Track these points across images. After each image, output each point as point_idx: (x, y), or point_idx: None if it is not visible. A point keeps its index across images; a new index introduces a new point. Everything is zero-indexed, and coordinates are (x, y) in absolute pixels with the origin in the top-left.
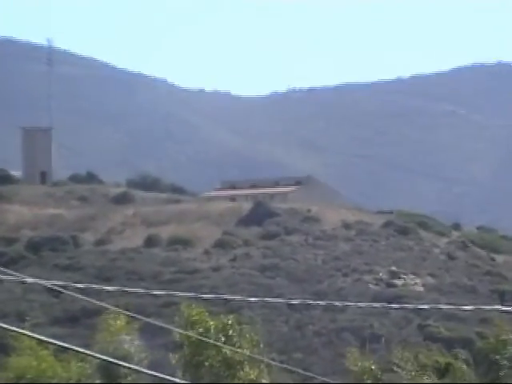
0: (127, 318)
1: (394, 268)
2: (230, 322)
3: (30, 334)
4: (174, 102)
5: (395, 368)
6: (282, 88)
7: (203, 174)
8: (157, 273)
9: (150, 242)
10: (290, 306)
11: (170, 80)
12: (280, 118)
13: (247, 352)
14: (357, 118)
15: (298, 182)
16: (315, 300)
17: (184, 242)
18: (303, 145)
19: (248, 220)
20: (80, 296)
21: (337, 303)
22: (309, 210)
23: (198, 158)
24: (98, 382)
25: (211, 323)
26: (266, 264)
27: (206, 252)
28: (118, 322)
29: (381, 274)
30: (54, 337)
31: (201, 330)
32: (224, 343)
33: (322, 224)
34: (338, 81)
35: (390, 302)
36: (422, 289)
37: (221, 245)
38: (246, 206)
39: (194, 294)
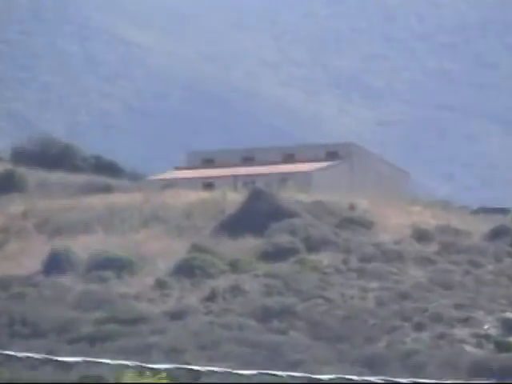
0: None
1: (511, 314)
2: None
3: None
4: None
5: None
6: None
7: (153, 137)
8: (67, 322)
9: (56, 264)
10: None
11: None
12: (291, 24)
13: None
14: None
15: (330, 154)
16: (363, 374)
17: (119, 265)
18: (337, 84)
19: (238, 224)
20: None
21: (404, 381)
22: (352, 207)
23: (141, 105)
24: None
25: None
26: (270, 306)
27: (160, 284)
28: None
29: (487, 327)
30: None
31: None
32: None
33: (377, 232)
34: None
35: (503, 377)
36: None
37: (187, 270)
38: (235, 198)
39: (136, 362)
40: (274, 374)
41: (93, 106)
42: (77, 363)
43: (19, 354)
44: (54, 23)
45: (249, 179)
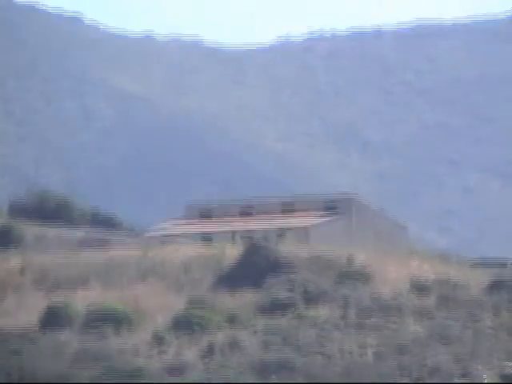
0: None
1: (510, 367)
2: None
3: None
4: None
5: None
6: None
7: (151, 190)
8: (64, 378)
9: (54, 319)
10: None
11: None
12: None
13: None
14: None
15: (329, 206)
16: None
17: (117, 320)
18: (336, 137)
19: (235, 277)
20: None
21: None
22: (350, 260)
23: (139, 158)
24: None
25: None
26: (269, 362)
27: (158, 338)
28: None
29: (485, 376)
30: None
31: None
32: None
33: (376, 286)
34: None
35: None
36: None
37: (185, 325)
38: (232, 252)
39: None
40: None
41: (90, 161)
42: None
43: None
44: (51, 78)
45: (247, 233)
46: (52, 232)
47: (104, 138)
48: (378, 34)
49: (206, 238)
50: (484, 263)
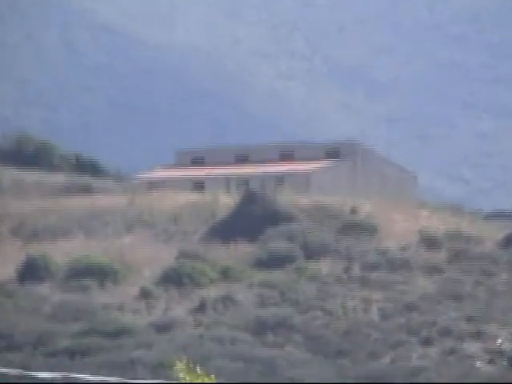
0: None
1: None
2: None
3: None
4: None
5: None
6: None
7: (138, 134)
8: (44, 335)
9: (32, 271)
10: None
11: None
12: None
13: None
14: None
15: (331, 153)
16: None
17: (101, 273)
18: (340, 77)
19: (230, 228)
20: None
21: None
22: (354, 210)
23: (126, 100)
24: None
25: None
26: (265, 318)
27: (145, 293)
28: None
29: (500, 341)
30: None
31: None
32: None
33: (382, 238)
34: None
35: None
36: None
37: (175, 279)
38: (227, 201)
39: (119, 378)
40: None
41: (73, 101)
42: (54, 379)
43: None
44: (31, 10)
45: (242, 180)
46: (31, 177)
47: (88, 76)
48: None
49: (198, 184)
50: (499, 215)
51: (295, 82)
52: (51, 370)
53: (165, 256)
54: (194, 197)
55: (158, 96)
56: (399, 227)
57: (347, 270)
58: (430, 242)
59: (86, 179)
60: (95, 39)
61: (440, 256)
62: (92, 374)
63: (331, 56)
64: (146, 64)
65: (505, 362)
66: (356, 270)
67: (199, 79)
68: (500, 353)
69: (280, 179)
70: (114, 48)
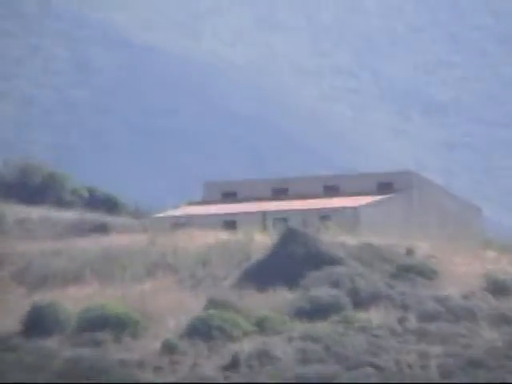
0: None
1: None
2: None
3: None
4: None
5: None
6: None
7: (160, 163)
8: None
9: (39, 323)
10: None
11: None
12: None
13: None
14: None
15: (383, 185)
16: None
17: (117, 325)
18: (392, 97)
19: (266, 272)
20: None
21: None
22: (409, 251)
23: (145, 122)
24: None
25: None
26: (307, 377)
27: (169, 347)
28: None
29: None
30: None
31: None
32: None
33: (442, 284)
34: None
35: None
36: None
37: (203, 332)
38: (263, 240)
39: None
40: None
41: (86, 124)
42: None
43: None
44: (38, 21)
45: (281, 217)
46: (37, 214)
47: (102, 97)
48: None
49: (230, 222)
50: None
51: (341, 103)
52: None
53: (191, 305)
54: (224, 236)
55: (183, 117)
56: (462, 271)
57: (402, 320)
58: (497, 287)
59: (100, 216)
60: (110, 54)
61: (509, 304)
62: None
63: (382, 71)
64: (169, 80)
65: None
66: (412, 321)
67: (230, 98)
68: None
69: (324, 216)
70: (133, 63)
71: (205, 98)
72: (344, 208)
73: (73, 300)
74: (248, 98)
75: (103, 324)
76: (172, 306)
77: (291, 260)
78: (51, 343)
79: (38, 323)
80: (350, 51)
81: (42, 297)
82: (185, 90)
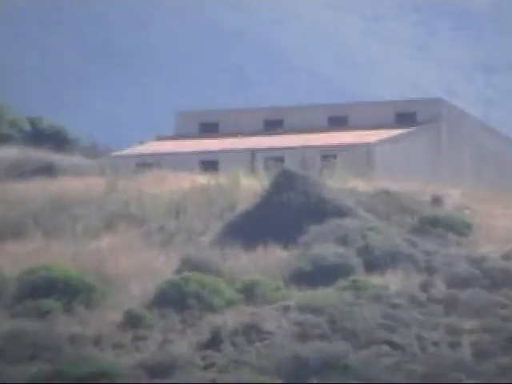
0: None
1: None
2: None
3: None
4: None
5: None
6: None
7: (123, 89)
8: None
9: None
10: None
11: None
12: None
13: None
14: None
15: (404, 116)
16: None
17: (67, 290)
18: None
19: (256, 225)
20: None
21: None
22: (436, 200)
23: (104, 38)
24: None
25: None
26: (306, 357)
27: (133, 319)
28: None
29: None
30: None
31: None
32: None
33: (477, 241)
34: None
35: None
36: None
37: (176, 300)
38: (251, 185)
39: None
40: None
41: (28, 38)
42: None
43: None
44: None
45: (274, 155)
46: None
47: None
48: None
49: (210, 162)
50: None
51: (349, 11)
52: None
53: (161, 266)
54: (203, 180)
55: (149, 32)
56: (502, 225)
57: (426, 286)
58: None
59: (46, 154)
60: None
61: None
62: None
63: None
64: None
65: None
66: (439, 287)
67: (206, 6)
68: None
69: (329, 155)
70: None
71: (175, 9)
72: (354, 145)
73: (11, 259)
74: (229, 4)
75: (50, 289)
76: (136, 268)
77: (287, 210)
78: None
79: None
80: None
81: None
82: (154, 2)
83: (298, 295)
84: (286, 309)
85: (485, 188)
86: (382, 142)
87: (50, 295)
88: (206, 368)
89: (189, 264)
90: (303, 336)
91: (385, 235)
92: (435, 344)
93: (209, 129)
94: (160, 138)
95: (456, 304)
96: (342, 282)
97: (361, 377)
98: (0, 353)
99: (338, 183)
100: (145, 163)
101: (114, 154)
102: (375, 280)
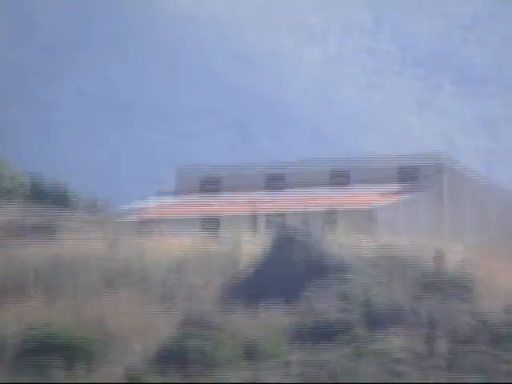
0: None
1: None
2: None
3: None
4: None
5: None
6: None
7: (121, 146)
8: None
9: None
10: None
11: None
12: None
13: None
14: None
15: (405, 173)
16: None
17: (67, 348)
18: (416, 58)
19: (258, 285)
20: None
21: None
22: (439, 257)
23: (101, 91)
24: None
25: None
26: None
27: (133, 377)
28: None
29: None
30: None
31: None
32: None
33: (481, 297)
34: None
35: None
36: None
37: (176, 356)
38: (253, 247)
39: None
40: None
41: (27, 93)
42: None
43: None
44: None
45: (276, 214)
46: None
47: (48, 58)
48: None
49: (211, 223)
50: None
51: (352, 66)
52: None
53: (162, 326)
54: (204, 241)
55: (150, 87)
56: (505, 280)
57: (430, 343)
58: None
59: (46, 214)
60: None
61: None
62: None
63: (403, 28)
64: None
65: None
66: (443, 345)
67: (208, 60)
68: None
69: (330, 215)
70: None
71: (176, 63)
72: (355, 204)
73: (11, 319)
74: (232, 59)
75: (50, 350)
76: (137, 328)
77: (288, 269)
78: None
79: None
80: (363, 2)
81: None
82: (151, 54)
83: (298, 354)
84: (287, 370)
85: (487, 242)
86: (384, 206)
87: (50, 353)
88: None
89: (190, 324)
90: None
91: (387, 295)
92: None
93: (210, 184)
94: (161, 194)
95: (462, 367)
96: (342, 341)
97: None
98: None
99: (340, 238)
100: (145, 220)
101: (115, 211)
102: (377, 338)
